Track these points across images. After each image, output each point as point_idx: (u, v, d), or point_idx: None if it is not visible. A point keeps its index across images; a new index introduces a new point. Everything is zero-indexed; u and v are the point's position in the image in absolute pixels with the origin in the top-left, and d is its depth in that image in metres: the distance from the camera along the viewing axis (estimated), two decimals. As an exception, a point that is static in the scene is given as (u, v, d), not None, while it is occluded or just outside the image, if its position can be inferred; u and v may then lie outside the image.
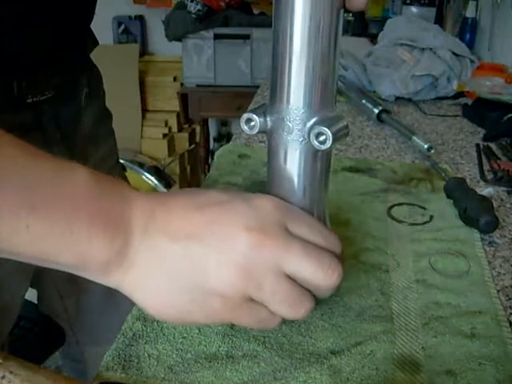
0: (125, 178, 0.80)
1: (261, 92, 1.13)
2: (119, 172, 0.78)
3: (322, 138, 0.35)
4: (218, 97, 2.19)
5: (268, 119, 0.37)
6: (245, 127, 0.38)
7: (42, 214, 0.29)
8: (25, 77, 0.50)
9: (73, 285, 0.72)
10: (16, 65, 0.49)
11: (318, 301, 0.45)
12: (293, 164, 0.38)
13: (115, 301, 0.46)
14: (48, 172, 0.31)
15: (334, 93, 0.37)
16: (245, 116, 0.37)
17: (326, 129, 0.34)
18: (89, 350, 0.78)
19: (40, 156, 0.32)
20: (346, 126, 0.36)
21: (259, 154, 0.74)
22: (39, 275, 0.64)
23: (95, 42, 0.66)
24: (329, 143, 0.35)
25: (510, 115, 0.89)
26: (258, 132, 0.38)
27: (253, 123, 0.37)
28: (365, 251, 0.53)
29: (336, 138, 0.35)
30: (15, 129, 0.51)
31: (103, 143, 0.70)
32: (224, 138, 2.72)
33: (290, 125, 0.36)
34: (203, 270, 0.33)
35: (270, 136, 0.38)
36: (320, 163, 0.38)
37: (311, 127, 0.35)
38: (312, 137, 0.35)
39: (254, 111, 0.37)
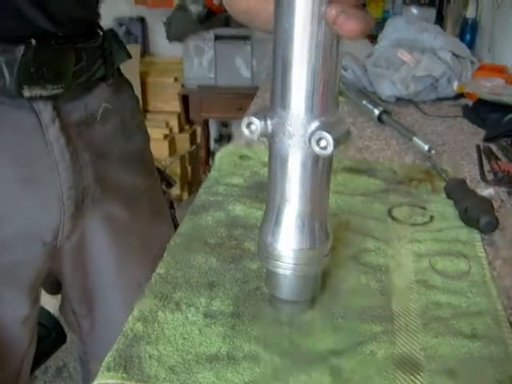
0: (158, 210, 0.73)
1: (261, 93, 1.13)
2: (152, 204, 0.70)
3: (323, 144, 0.35)
4: (218, 98, 2.19)
5: (269, 123, 0.37)
6: (245, 131, 0.38)
7: None
8: (14, 62, 0.46)
9: (87, 306, 0.70)
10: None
11: (318, 302, 0.45)
12: (294, 168, 0.38)
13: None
14: None
15: (336, 97, 0.37)
16: (245, 120, 0.37)
17: (327, 134, 0.34)
18: (94, 364, 0.78)
19: None
20: (348, 131, 0.36)
21: (260, 155, 0.74)
22: (59, 284, 0.63)
23: (128, 55, 0.62)
24: (330, 149, 0.34)
25: (510, 116, 0.89)
26: (259, 136, 0.38)
27: (254, 127, 0.37)
28: (365, 252, 0.53)
29: (337, 143, 0.35)
30: (11, 125, 0.49)
31: (126, 165, 0.65)
32: (225, 138, 2.72)
33: (291, 129, 0.36)
34: None
35: (271, 140, 0.38)
36: (321, 167, 0.38)
37: (312, 133, 0.35)
38: (313, 142, 0.35)
39: (255, 115, 0.37)
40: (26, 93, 0.48)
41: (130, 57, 0.63)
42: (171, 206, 0.79)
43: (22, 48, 0.47)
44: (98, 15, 0.61)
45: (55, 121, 0.52)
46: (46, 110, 0.51)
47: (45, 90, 0.49)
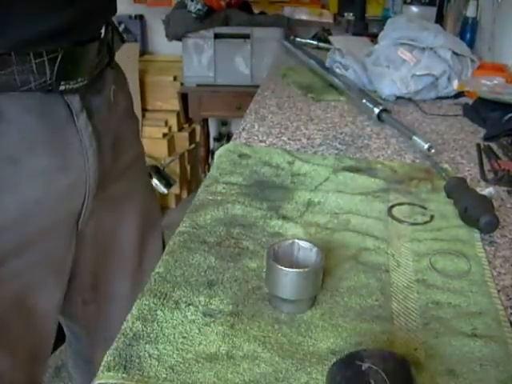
0: (149, 186, 0.78)
1: (261, 91, 1.13)
2: (145, 179, 0.76)
3: None
4: (218, 96, 2.19)
5: None
6: None
7: None
8: (56, 61, 0.50)
9: (97, 291, 0.72)
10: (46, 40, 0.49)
11: (318, 301, 0.45)
12: None
13: None
14: None
15: None
16: None
17: None
18: (100, 354, 0.79)
19: None
20: None
21: (259, 154, 0.74)
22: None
23: (122, 40, 0.66)
24: None
25: (510, 115, 0.89)
26: None
27: None
28: (365, 251, 0.53)
29: None
30: (47, 118, 0.52)
31: (131, 146, 0.69)
32: (224, 137, 2.72)
33: None
34: None
35: None
36: None
37: None
38: None
39: None
40: (62, 87, 0.51)
41: (123, 41, 0.67)
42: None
43: (63, 48, 0.50)
44: (116, 10, 0.64)
45: (83, 110, 0.55)
46: (75, 101, 0.54)
47: (76, 83, 0.53)
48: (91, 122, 0.56)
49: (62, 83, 0.51)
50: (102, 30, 0.59)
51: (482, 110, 0.97)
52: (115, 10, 0.62)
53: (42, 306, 0.60)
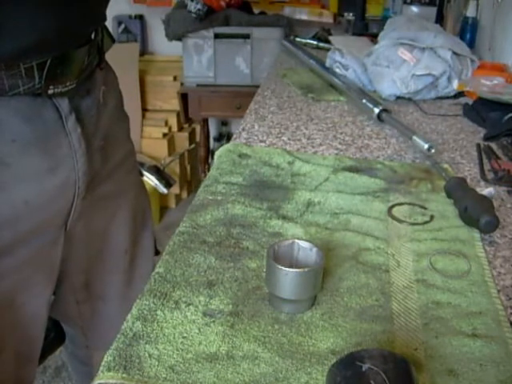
0: (140, 184, 0.79)
1: (261, 91, 1.13)
2: (136, 177, 0.77)
3: None
4: (218, 96, 2.19)
5: None
6: None
7: None
8: (45, 66, 0.50)
9: (89, 291, 0.72)
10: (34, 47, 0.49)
11: (318, 301, 0.45)
12: None
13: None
14: None
15: None
16: None
17: None
18: (98, 355, 0.79)
19: None
20: None
21: (259, 154, 0.74)
22: (59, 280, 0.64)
23: (112, 40, 0.66)
24: None
25: (510, 115, 0.89)
26: None
27: None
28: (365, 251, 0.53)
29: None
30: (36, 121, 0.52)
31: (122, 144, 0.69)
32: (224, 137, 2.72)
33: None
34: None
35: None
36: None
37: None
38: None
39: None
40: (50, 91, 0.52)
41: (114, 41, 0.66)
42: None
43: (52, 54, 0.50)
44: (106, 17, 0.64)
45: (72, 112, 0.55)
46: (63, 104, 0.54)
47: (64, 87, 0.53)
48: (80, 123, 0.57)
49: (51, 87, 0.51)
50: (92, 34, 0.59)
51: (481, 110, 0.97)
52: (105, 17, 0.62)
53: (30, 306, 0.60)
